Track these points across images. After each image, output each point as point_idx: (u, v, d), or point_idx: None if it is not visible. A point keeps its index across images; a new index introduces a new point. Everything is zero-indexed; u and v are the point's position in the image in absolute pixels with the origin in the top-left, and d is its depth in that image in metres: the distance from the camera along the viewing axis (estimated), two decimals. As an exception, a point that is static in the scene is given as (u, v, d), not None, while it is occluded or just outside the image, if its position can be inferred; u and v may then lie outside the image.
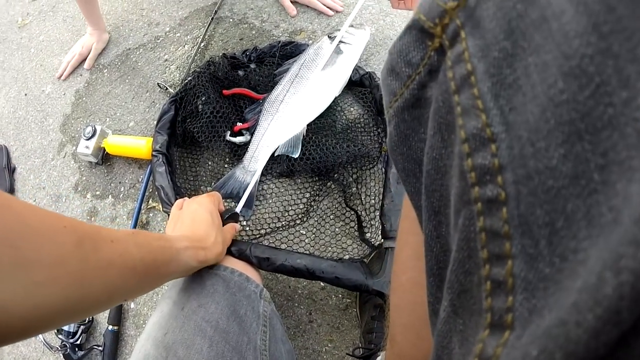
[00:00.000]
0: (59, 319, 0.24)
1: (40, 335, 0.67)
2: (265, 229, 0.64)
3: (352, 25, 0.71)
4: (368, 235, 0.62)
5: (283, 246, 0.62)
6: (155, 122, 0.79)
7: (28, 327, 0.22)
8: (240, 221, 0.66)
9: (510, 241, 0.11)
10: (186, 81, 0.69)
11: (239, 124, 0.67)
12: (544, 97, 0.10)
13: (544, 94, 0.10)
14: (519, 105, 0.11)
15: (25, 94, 0.96)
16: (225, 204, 0.66)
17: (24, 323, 0.21)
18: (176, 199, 0.58)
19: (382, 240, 0.58)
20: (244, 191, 0.64)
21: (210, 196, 0.50)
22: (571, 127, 0.10)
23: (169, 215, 0.51)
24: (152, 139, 0.71)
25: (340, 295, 0.64)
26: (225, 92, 0.68)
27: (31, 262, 0.21)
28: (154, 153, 0.64)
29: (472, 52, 0.12)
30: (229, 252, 0.51)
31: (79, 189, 0.80)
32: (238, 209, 0.59)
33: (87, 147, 0.76)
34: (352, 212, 0.64)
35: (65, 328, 0.66)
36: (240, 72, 0.72)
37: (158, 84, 0.79)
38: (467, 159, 0.12)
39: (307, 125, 0.64)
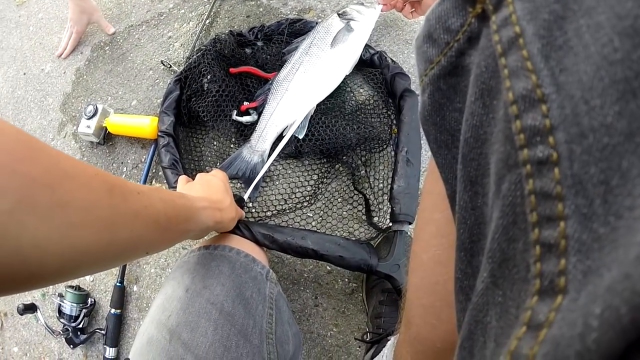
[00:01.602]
0: (89, 263, 0.25)
1: (41, 318, 0.66)
2: (272, 211, 0.62)
3: (362, 3, 0.69)
4: (376, 219, 0.61)
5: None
6: (158, 101, 0.77)
7: (62, 267, 0.22)
8: (246, 203, 0.64)
9: (563, 202, 0.10)
10: (191, 59, 0.67)
11: (245, 103, 0.65)
12: (597, 57, 0.10)
13: (598, 54, 0.10)
14: (570, 65, 0.11)
15: (24, 73, 0.93)
16: (231, 184, 0.65)
17: (58, 263, 0.22)
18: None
19: (391, 223, 0.56)
20: (250, 171, 0.62)
21: (222, 172, 0.50)
22: (625, 85, 0.10)
23: None
24: (156, 117, 0.69)
25: (346, 280, 0.62)
26: (232, 70, 0.66)
27: (66, 203, 0.21)
28: (160, 134, 0.62)
29: (520, 14, 0.12)
30: (235, 230, 0.50)
31: (80, 169, 0.78)
32: (246, 196, 0.57)
33: (88, 126, 0.74)
34: (360, 196, 0.62)
35: (67, 312, 0.65)
36: (248, 50, 0.70)
37: (162, 61, 0.77)
38: (515, 120, 0.12)
39: (317, 105, 0.62)
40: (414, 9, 0.67)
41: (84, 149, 0.80)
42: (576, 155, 0.10)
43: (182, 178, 0.50)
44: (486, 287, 0.13)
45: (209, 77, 0.65)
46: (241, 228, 0.50)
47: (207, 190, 0.45)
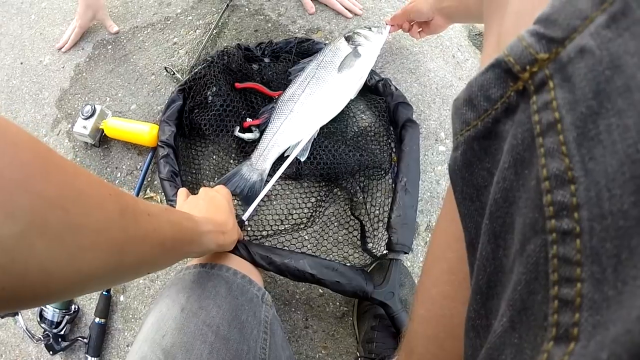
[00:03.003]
0: (93, 284, 0.25)
1: (21, 321, 0.64)
2: (268, 231, 0.62)
3: (369, 28, 0.70)
4: (370, 245, 0.62)
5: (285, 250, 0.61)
6: (158, 107, 0.76)
7: (65, 289, 0.22)
8: (245, 226, 0.64)
9: (581, 267, 0.12)
10: (196, 69, 0.66)
11: (248, 119, 0.65)
12: (622, 154, 0.12)
13: (623, 151, 0.12)
14: (598, 156, 0.13)
15: (21, 63, 0.91)
16: (228, 200, 0.64)
17: (63, 286, 0.21)
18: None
19: (387, 251, 0.57)
20: (249, 189, 0.62)
21: (226, 189, 0.50)
22: None
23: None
24: (155, 125, 0.68)
25: (337, 303, 0.63)
26: (237, 85, 0.66)
27: (79, 226, 0.21)
28: (160, 144, 0.61)
29: (560, 103, 0.14)
30: (233, 250, 0.50)
31: (73, 169, 0.77)
32: (245, 217, 0.57)
33: (84, 127, 0.72)
34: (356, 221, 0.63)
35: (49, 317, 0.63)
36: (255, 66, 0.70)
37: (165, 67, 0.76)
38: (546, 194, 0.14)
39: (320, 128, 0.63)
40: (421, 29, 0.68)
41: (77, 149, 0.78)
42: (596, 232, 0.12)
43: (182, 192, 0.50)
44: (504, 330, 0.15)
45: (214, 89, 0.64)
46: (239, 248, 0.50)
47: (213, 209, 0.44)
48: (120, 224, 0.24)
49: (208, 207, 0.45)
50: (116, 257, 0.24)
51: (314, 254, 0.60)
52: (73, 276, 0.21)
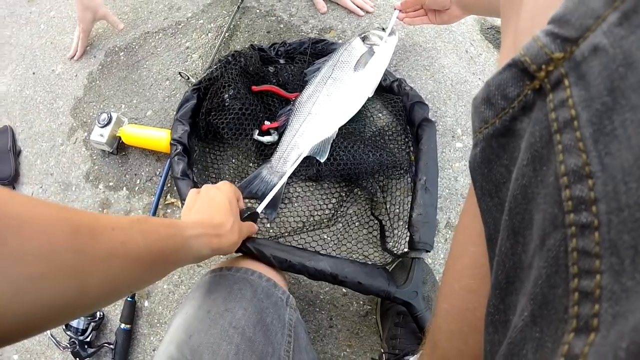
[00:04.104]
0: (58, 316, 0.23)
1: (47, 331, 0.65)
2: (289, 232, 0.63)
3: (383, 29, 0.70)
4: (391, 244, 0.62)
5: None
6: (174, 113, 0.76)
7: (24, 325, 0.21)
8: (264, 223, 0.64)
9: (600, 259, 0.13)
10: (211, 69, 0.66)
11: (267, 122, 0.65)
12: (637, 148, 0.12)
13: (638, 146, 0.12)
14: (614, 151, 0.13)
15: (34, 73, 0.91)
16: (249, 204, 0.65)
17: (19, 321, 0.20)
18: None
19: (409, 250, 0.57)
20: (269, 192, 0.63)
21: (231, 184, 0.48)
22: None
23: None
24: (173, 130, 0.68)
25: (361, 302, 0.63)
26: (254, 88, 0.66)
27: (20, 255, 0.20)
28: (172, 142, 0.61)
29: (576, 100, 0.14)
30: (247, 251, 0.49)
31: (91, 178, 0.77)
32: (260, 209, 0.57)
33: (101, 135, 0.73)
34: (376, 221, 0.63)
35: (74, 324, 0.64)
36: (271, 68, 0.70)
37: (179, 72, 0.76)
38: (565, 189, 0.14)
39: (338, 129, 0.63)
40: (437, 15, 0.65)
41: (95, 157, 0.79)
42: (613, 224, 0.13)
43: (192, 192, 0.47)
44: (525, 324, 0.15)
45: (231, 92, 0.64)
46: (254, 251, 0.49)
47: (208, 210, 0.42)
48: (73, 246, 0.23)
49: (203, 209, 0.43)
50: (76, 282, 0.22)
51: (336, 254, 0.60)
52: (26, 309, 0.20)
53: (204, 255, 0.39)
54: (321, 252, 0.60)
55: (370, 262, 0.59)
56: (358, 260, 0.55)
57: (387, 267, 0.58)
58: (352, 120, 0.65)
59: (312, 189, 0.66)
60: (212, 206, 0.43)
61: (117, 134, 0.73)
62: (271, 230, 0.63)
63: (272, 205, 0.62)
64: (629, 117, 0.13)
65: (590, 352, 0.12)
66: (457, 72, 0.75)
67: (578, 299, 0.13)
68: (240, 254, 0.51)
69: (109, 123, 0.73)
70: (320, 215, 0.64)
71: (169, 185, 0.71)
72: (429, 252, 0.58)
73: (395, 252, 0.61)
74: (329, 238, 0.63)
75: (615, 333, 0.12)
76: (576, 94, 0.14)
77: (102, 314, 0.68)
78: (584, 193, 0.13)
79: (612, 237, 0.13)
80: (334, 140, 0.62)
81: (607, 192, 0.13)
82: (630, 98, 0.13)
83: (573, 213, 0.14)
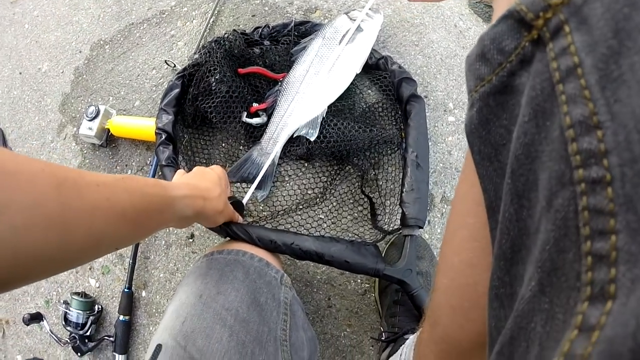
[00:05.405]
0: (42, 267, 0.23)
1: (46, 327, 0.65)
2: (279, 212, 0.62)
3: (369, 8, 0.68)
4: (383, 221, 0.61)
5: (302, 229, 0.61)
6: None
7: (9, 274, 0.21)
8: (257, 204, 0.64)
9: (614, 218, 0.12)
10: (195, 56, 0.65)
11: (255, 104, 0.64)
12: None
13: None
14: (624, 97, 0.12)
15: (20, 73, 0.90)
16: (242, 188, 0.64)
17: (4, 270, 0.21)
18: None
19: (401, 227, 0.56)
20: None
21: (223, 169, 0.48)
22: None
23: None
24: (161, 119, 0.68)
25: (359, 281, 0.63)
26: (240, 70, 0.65)
27: (5, 205, 0.20)
28: (157, 131, 0.60)
29: (579, 46, 0.13)
30: (233, 234, 0.49)
31: (82, 171, 0.77)
32: (247, 196, 0.56)
33: (90, 128, 0.72)
34: (366, 199, 0.62)
35: (74, 319, 0.64)
36: (256, 50, 0.69)
37: (165, 61, 0.76)
38: (571, 143, 0.13)
39: (328, 107, 0.62)
40: None
41: (85, 151, 0.78)
42: (628, 178, 0.11)
43: (179, 172, 0.48)
44: (533, 295, 0.14)
45: (217, 76, 0.63)
46: (240, 233, 0.49)
47: (197, 178, 0.42)
48: (58, 198, 0.23)
49: (191, 175, 0.43)
50: (60, 234, 0.23)
51: (329, 234, 0.60)
52: (11, 257, 0.20)
53: (188, 217, 0.38)
54: (311, 231, 0.60)
55: (359, 240, 0.59)
56: (346, 238, 0.54)
57: (378, 246, 0.57)
58: (341, 97, 0.64)
59: (302, 169, 0.65)
60: (201, 175, 0.43)
61: (106, 126, 0.73)
62: (264, 213, 0.63)
63: (263, 185, 0.61)
64: (637, 59, 0.12)
65: (608, 322, 0.11)
66: (447, 46, 0.74)
67: (591, 264, 0.12)
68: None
69: (97, 116, 0.72)
70: (312, 194, 0.63)
71: (159, 173, 0.71)
72: (422, 228, 0.57)
73: (386, 229, 0.60)
74: (321, 217, 0.63)
75: (636, 299, 0.10)
76: (578, 40, 0.13)
77: (100, 307, 0.67)
78: (593, 145, 0.12)
79: (627, 191, 0.11)
80: (323, 118, 0.61)
81: (619, 143, 0.12)
82: (637, 40, 0.12)
83: (582, 168, 0.12)
